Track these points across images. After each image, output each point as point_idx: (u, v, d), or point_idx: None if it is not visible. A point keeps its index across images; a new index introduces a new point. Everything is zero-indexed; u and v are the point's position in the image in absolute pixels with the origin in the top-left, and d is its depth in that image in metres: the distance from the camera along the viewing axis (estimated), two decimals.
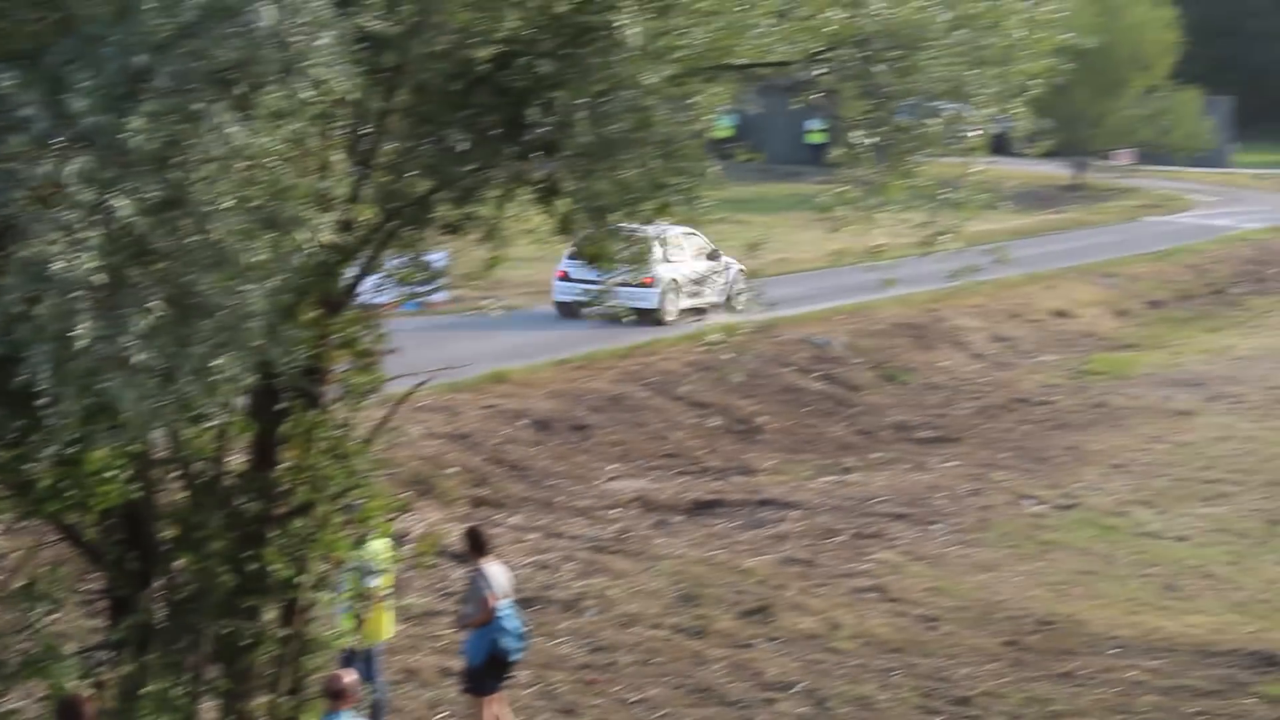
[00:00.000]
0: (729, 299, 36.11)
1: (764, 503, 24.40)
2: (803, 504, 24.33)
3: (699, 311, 35.56)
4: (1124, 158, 78.34)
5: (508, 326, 31.94)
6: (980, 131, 13.00)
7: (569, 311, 34.39)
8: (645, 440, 27.41)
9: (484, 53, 11.30)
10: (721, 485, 25.57)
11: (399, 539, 16.65)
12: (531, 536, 21.90)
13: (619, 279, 13.18)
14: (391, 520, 13.68)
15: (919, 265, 14.79)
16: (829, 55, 12.26)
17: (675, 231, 34.23)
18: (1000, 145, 23.11)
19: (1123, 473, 26.76)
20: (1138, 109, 74.23)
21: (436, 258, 13.76)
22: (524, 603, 18.77)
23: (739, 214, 45.09)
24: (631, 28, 10.68)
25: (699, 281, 36.63)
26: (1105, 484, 25.98)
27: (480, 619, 14.96)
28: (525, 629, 15.35)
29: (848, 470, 27.00)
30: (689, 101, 11.50)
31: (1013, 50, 12.37)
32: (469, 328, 29.59)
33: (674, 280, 35.69)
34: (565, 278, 34.49)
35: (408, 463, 22.89)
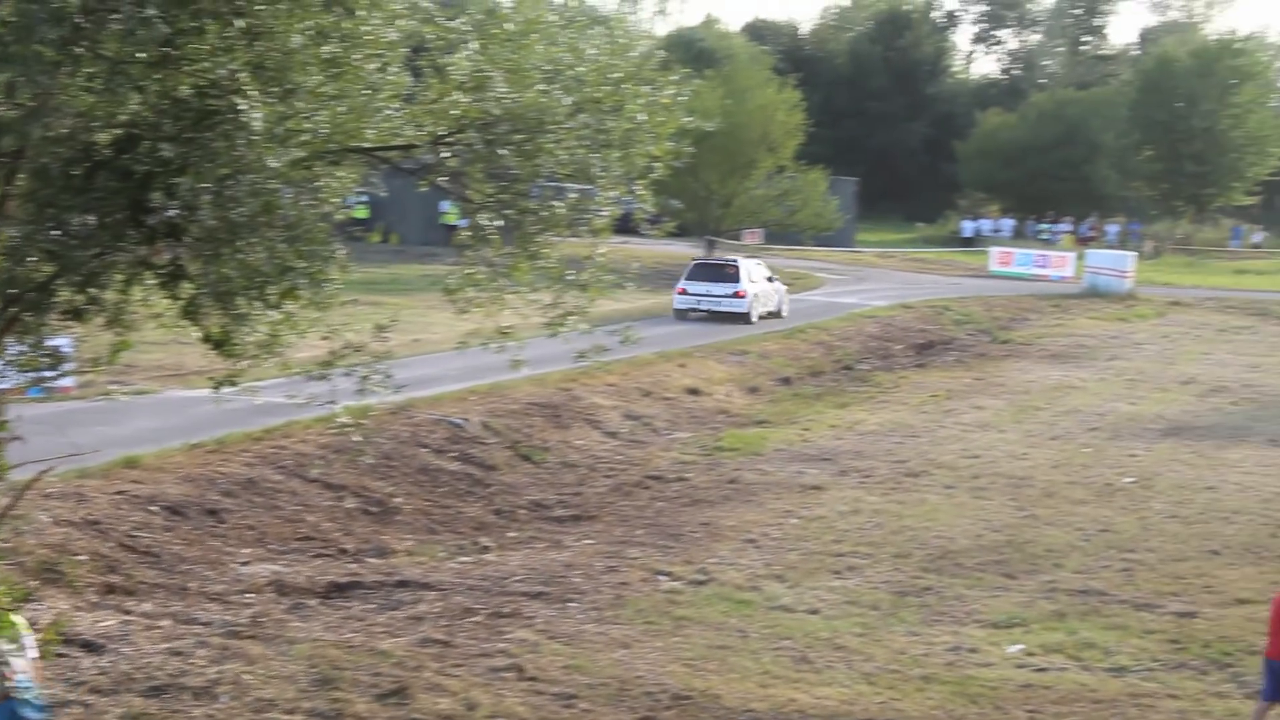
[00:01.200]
0: (779, 311, 56.85)
1: (401, 584, 24.22)
2: (440, 584, 24.22)
3: (774, 314, 56.28)
4: (753, 237, 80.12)
5: (139, 412, 31.32)
6: (607, 213, 13.21)
7: (683, 316, 54.87)
8: (280, 523, 27.06)
9: (106, 137, 11.15)
10: (358, 567, 25.34)
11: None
12: (164, 623, 21.41)
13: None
14: (15, 609, 13.32)
15: (552, 345, 14.93)
16: (455, 138, 12.34)
17: (753, 262, 58.01)
18: (630, 226, 23.45)
19: (755, 547, 27.18)
20: (766, 189, 75.98)
21: (62, 343, 13.49)
22: (156, 691, 18.45)
23: (373, 295, 45.19)
24: (254, 112, 10.63)
25: (766, 296, 56.40)
26: (738, 559, 26.35)
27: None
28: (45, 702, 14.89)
29: (485, 550, 26.99)
30: (315, 185, 11.48)
31: (636, 133, 12.59)
32: (99, 414, 28.99)
33: (756, 294, 55.54)
34: (683, 293, 55.54)
35: (35, 550, 22.31)
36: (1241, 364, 51.73)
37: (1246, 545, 28.23)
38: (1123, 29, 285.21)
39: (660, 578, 25.08)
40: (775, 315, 56.42)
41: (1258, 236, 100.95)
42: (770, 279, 57.62)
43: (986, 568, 26.38)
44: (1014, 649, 22.24)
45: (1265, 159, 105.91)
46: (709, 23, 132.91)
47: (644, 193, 13.42)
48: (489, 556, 26.51)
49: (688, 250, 75.23)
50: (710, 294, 54.98)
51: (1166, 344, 56.71)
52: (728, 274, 55.59)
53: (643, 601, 23.82)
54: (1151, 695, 20.55)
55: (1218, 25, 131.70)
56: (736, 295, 54.81)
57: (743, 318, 54.26)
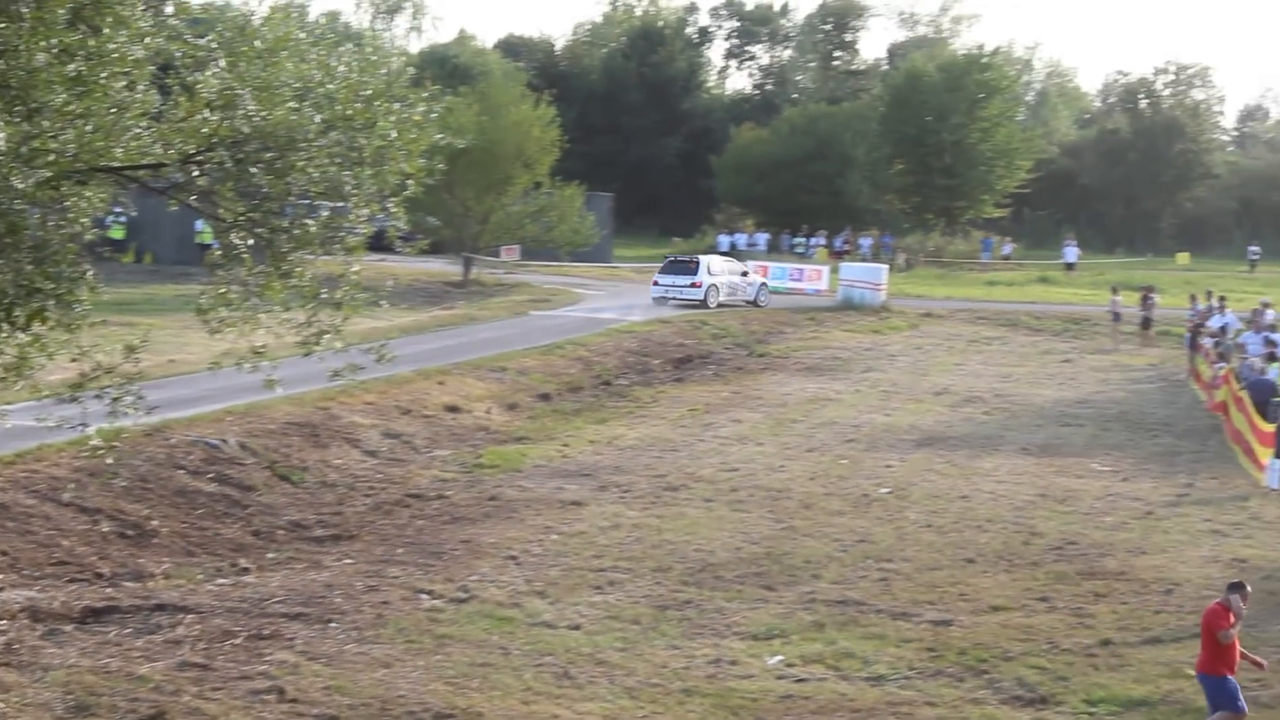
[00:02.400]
0: (755, 301, 68.88)
1: (158, 607, 23.84)
2: (198, 607, 23.89)
3: (751, 304, 68.28)
4: (510, 253, 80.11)
5: None
6: (360, 231, 13.11)
7: (661, 302, 67.01)
8: (33, 548, 26.51)
9: None
10: (114, 591, 24.90)
11: None
12: None
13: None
14: None
15: (308, 364, 14.79)
16: (204, 156, 12.18)
17: (721, 259, 71.90)
18: (385, 244, 23.42)
19: (516, 564, 27.17)
20: (523, 205, 76.10)
21: None
22: None
23: (126, 316, 44.48)
24: None
25: (733, 287, 68.24)
26: (500, 576, 26.32)
27: None
28: None
29: (244, 571, 26.68)
30: (62, 205, 11.27)
31: (388, 150, 12.52)
32: None
33: (713, 285, 67.16)
34: (656, 284, 68.28)
35: None
36: (993, 374, 52.68)
37: (999, 553, 28.76)
38: (873, 44, 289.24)
39: (421, 596, 24.99)
40: (752, 304, 68.77)
41: (1007, 248, 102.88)
42: (744, 274, 70.26)
43: (746, 580, 26.62)
44: (774, 660, 22.47)
45: (1013, 172, 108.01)
46: (463, 39, 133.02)
47: (398, 210, 13.35)
48: (248, 578, 26.22)
49: (446, 268, 75.07)
50: (675, 284, 67.62)
51: (920, 355, 57.61)
52: (689, 268, 68.44)
53: (404, 620, 23.70)
54: (909, 703, 20.87)
55: (965, 40, 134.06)
56: (693, 285, 67.51)
57: (700, 304, 66.62)
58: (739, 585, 26.27)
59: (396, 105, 12.66)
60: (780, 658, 22.56)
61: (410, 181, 13.17)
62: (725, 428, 41.45)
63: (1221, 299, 57.13)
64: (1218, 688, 19.12)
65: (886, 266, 77.64)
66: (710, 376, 52.07)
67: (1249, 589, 19.74)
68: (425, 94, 13.75)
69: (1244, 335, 50.21)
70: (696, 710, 20.37)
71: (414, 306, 55.45)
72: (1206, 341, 50.70)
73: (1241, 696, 19.15)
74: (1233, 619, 19.10)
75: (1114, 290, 64.51)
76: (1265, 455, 35.25)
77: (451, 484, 34.06)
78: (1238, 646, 19.28)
